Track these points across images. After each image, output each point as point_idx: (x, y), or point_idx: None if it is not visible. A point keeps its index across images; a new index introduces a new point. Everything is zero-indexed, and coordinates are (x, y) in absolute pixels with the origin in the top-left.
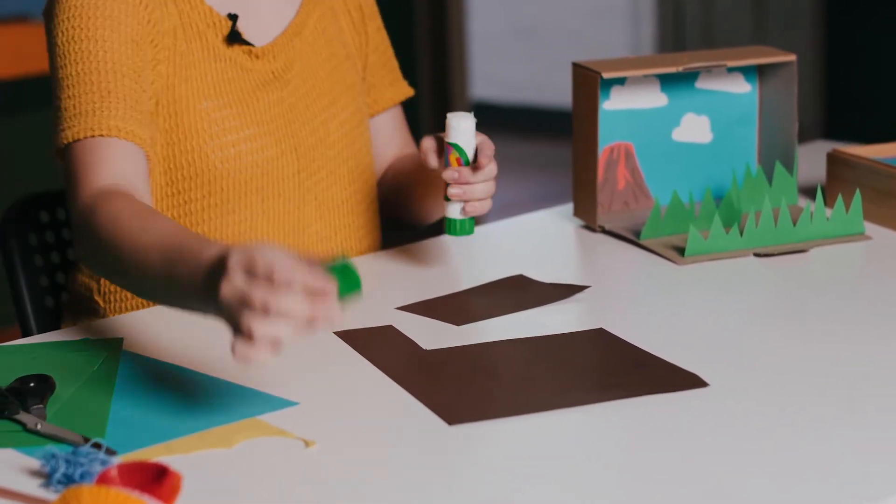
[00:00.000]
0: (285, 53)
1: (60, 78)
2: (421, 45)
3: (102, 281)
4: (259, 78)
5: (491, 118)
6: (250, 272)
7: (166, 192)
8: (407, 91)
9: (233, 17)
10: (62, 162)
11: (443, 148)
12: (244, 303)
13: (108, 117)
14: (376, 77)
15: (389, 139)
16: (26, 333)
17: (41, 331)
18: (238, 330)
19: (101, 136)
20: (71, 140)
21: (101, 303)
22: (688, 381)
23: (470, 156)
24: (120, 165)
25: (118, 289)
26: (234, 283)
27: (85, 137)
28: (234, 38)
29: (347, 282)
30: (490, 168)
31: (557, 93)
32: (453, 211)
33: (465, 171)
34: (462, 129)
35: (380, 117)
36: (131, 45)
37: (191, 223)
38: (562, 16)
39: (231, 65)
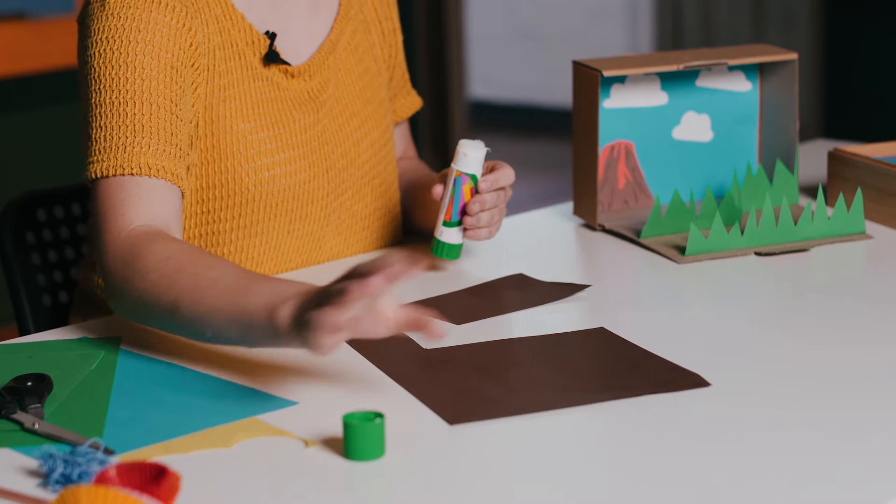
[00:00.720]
0: (321, 73)
1: (93, 104)
2: (420, 46)
3: None
4: (295, 98)
5: (489, 118)
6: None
7: (195, 210)
8: (417, 101)
9: (271, 36)
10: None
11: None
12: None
13: (140, 154)
14: (396, 88)
15: (395, 146)
16: (24, 332)
17: (39, 329)
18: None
19: (132, 174)
20: (100, 175)
21: None
22: (689, 380)
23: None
24: (151, 206)
25: None
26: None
27: (114, 175)
28: (271, 57)
29: (367, 444)
30: (495, 196)
31: (555, 93)
32: (454, 236)
33: (481, 199)
34: (478, 159)
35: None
36: (170, 72)
37: (216, 243)
38: (560, 17)
39: (269, 84)
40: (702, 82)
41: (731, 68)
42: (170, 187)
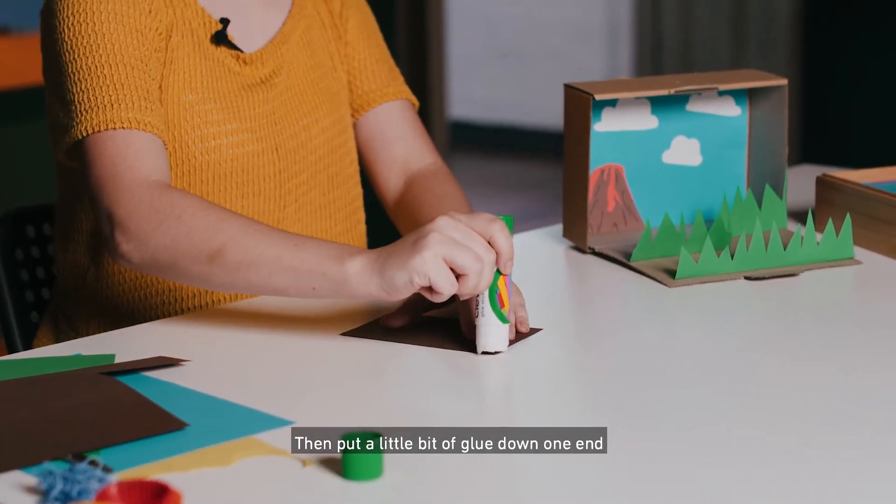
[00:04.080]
0: (273, 60)
1: (70, 73)
2: (401, 66)
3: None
4: (246, 81)
5: (469, 137)
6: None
7: None
8: (407, 94)
9: (224, 22)
10: (65, 159)
11: None
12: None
13: (127, 109)
14: (369, 80)
15: (394, 138)
16: (11, 348)
17: (25, 346)
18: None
19: (124, 128)
20: (90, 132)
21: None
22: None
23: None
24: (149, 159)
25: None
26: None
27: (106, 129)
28: (219, 38)
29: (365, 464)
30: None
31: (534, 113)
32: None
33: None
34: None
35: (377, 114)
36: (136, 35)
37: None
38: (540, 37)
39: (219, 65)
40: (692, 107)
41: (721, 93)
42: (158, 142)
